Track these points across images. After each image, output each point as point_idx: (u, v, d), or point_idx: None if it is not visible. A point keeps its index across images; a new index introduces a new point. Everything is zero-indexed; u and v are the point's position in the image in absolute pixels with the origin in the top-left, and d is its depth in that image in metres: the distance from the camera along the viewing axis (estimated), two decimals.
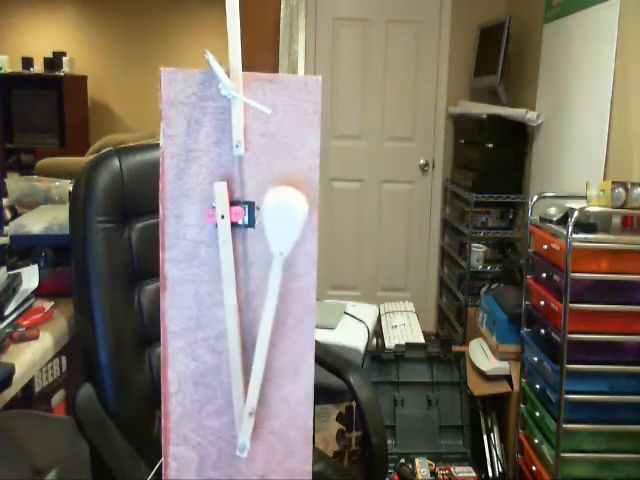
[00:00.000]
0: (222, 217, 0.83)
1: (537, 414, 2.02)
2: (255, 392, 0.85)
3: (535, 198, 2.18)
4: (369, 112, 3.72)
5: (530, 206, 2.18)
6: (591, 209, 1.82)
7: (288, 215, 0.81)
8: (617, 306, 1.81)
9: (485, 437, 2.38)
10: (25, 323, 1.33)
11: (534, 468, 2.03)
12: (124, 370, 1.28)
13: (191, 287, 0.85)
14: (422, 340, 2.64)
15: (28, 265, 1.49)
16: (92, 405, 1.22)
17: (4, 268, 1.46)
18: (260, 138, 0.83)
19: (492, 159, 3.08)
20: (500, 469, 2.30)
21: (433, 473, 2.22)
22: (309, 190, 0.85)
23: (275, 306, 0.84)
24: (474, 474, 2.24)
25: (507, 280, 2.68)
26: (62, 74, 5.19)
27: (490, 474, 2.30)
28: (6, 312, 1.32)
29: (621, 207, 1.79)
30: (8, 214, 1.86)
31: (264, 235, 0.83)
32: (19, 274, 1.43)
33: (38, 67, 5.29)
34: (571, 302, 1.80)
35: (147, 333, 1.35)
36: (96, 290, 1.25)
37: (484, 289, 2.83)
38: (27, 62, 5.26)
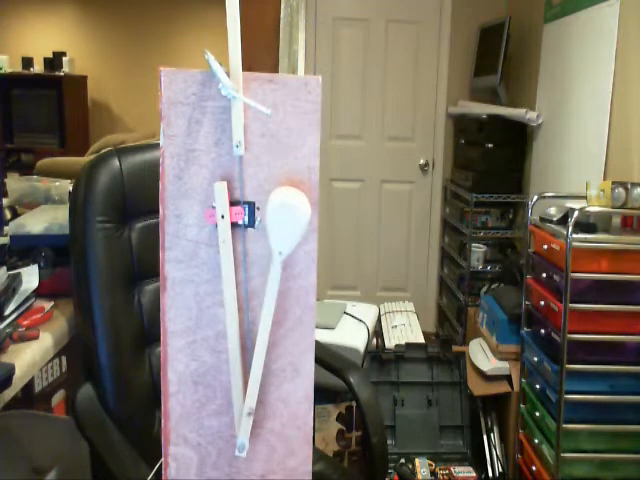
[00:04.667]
0: (222, 217, 0.83)
1: (537, 414, 2.02)
2: (254, 392, 0.85)
3: (535, 198, 2.18)
4: (369, 112, 3.72)
5: (530, 206, 2.18)
6: (591, 209, 1.82)
7: (291, 216, 0.81)
8: (617, 306, 1.81)
9: (485, 437, 2.38)
10: (25, 323, 1.33)
11: (534, 468, 2.03)
12: (124, 370, 1.28)
13: (191, 287, 0.85)
14: (422, 340, 2.64)
15: (28, 265, 1.49)
16: (92, 405, 1.22)
17: (4, 268, 1.46)
18: (260, 138, 0.83)
19: (492, 159, 3.08)
20: (500, 469, 2.30)
21: (433, 473, 2.22)
22: (309, 190, 0.85)
23: (274, 306, 0.84)
24: (474, 474, 2.24)
25: (507, 280, 2.68)
26: (62, 74, 5.19)
27: (490, 474, 2.30)
28: (6, 312, 1.32)
29: (621, 207, 1.79)
30: (8, 214, 1.86)
31: (265, 234, 0.83)
32: (19, 274, 1.43)
33: (38, 67, 5.28)
34: (571, 302, 1.80)
35: (147, 333, 1.35)
36: (96, 290, 1.25)
37: (484, 289, 2.84)
38: (27, 62, 5.26)
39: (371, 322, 2.58)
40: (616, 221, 1.94)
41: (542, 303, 2.00)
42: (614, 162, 2.22)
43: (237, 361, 0.84)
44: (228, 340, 0.84)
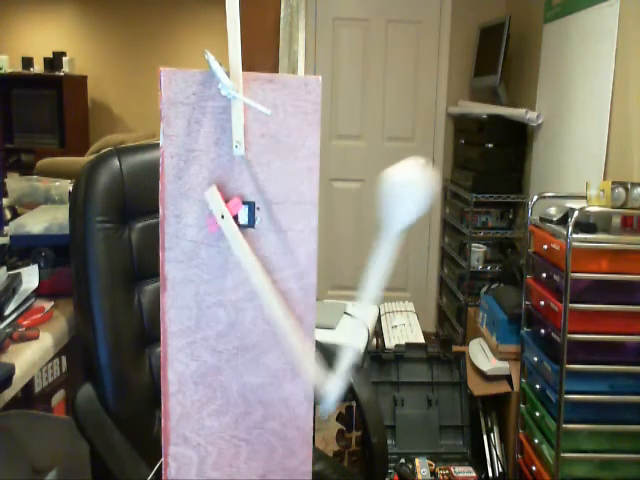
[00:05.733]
0: (222, 217, 0.83)
1: (537, 414, 2.02)
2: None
3: (535, 198, 2.18)
4: (369, 112, 3.72)
5: (530, 206, 2.18)
6: (591, 209, 1.82)
7: (414, 190, 0.81)
8: (617, 306, 1.81)
9: (485, 437, 2.38)
10: (25, 323, 1.33)
11: (534, 468, 2.03)
12: (124, 370, 1.28)
13: (191, 287, 0.85)
14: (422, 340, 2.64)
15: (28, 265, 1.49)
16: (92, 405, 1.22)
17: (4, 268, 1.46)
18: (260, 138, 0.83)
19: (492, 159, 3.08)
20: (500, 469, 2.30)
21: (433, 473, 2.22)
22: (309, 190, 0.85)
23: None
24: (474, 474, 2.23)
25: (507, 280, 2.68)
26: (62, 74, 5.19)
27: (490, 474, 2.30)
28: (6, 312, 1.32)
29: (621, 207, 1.79)
30: (8, 214, 1.86)
31: (386, 208, 0.82)
32: (19, 274, 1.43)
33: (38, 67, 5.28)
34: (571, 302, 1.80)
35: (147, 333, 1.35)
36: (96, 290, 1.25)
37: (484, 289, 2.83)
38: (27, 62, 5.26)
39: (371, 322, 2.58)
40: (616, 221, 1.94)
41: (542, 303, 2.00)
42: (614, 162, 2.22)
43: (283, 322, 0.82)
44: (271, 312, 0.82)
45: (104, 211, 1.27)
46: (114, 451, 1.14)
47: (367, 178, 3.77)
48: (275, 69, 3.54)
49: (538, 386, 2.01)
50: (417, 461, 2.25)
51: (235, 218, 0.83)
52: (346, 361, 0.82)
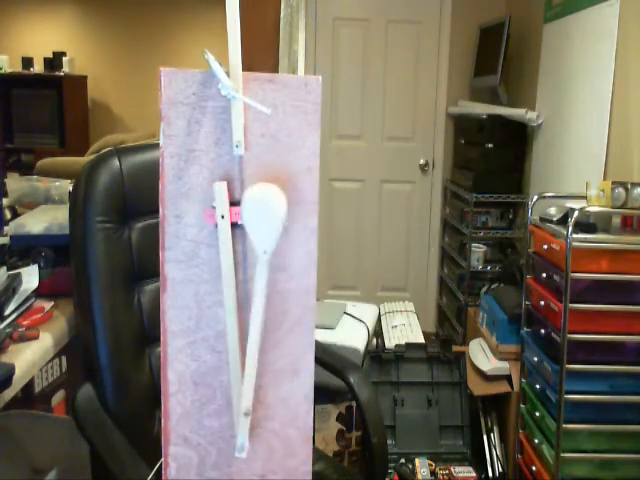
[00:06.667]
0: (222, 217, 0.83)
1: (537, 414, 2.02)
2: (249, 392, 0.85)
3: (535, 198, 2.18)
4: (369, 112, 3.72)
5: (530, 206, 2.18)
6: (591, 209, 1.82)
7: (266, 212, 0.81)
8: (617, 306, 1.81)
9: (485, 437, 2.38)
10: (25, 323, 1.33)
11: (534, 468, 2.03)
12: (124, 370, 1.28)
13: (191, 287, 0.85)
14: (422, 340, 2.64)
15: (28, 265, 1.49)
16: (92, 405, 1.22)
17: (4, 268, 1.46)
18: (260, 138, 0.83)
19: (492, 159, 3.08)
20: (500, 469, 2.30)
21: (433, 473, 2.22)
22: (309, 190, 0.85)
23: (264, 306, 0.83)
24: (474, 474, 2.24)
25: (507, 280, 2.68)
26: (62, 74, 5.19)
27: (490, 474, 2.30)
28: (6, 312, 1.32)
29: (621, 207, 1.79)
30: (8, 214, 1.86)
31: (247, 234, 0.83)
32: (19, 274, 1.43)
33: (38, 67, 5.28)
34: (571, 302, 1.80)
35: (147, 333, 1.35)
36: (96, 290, 1.25)
37: (484, 289, 2.83)
38: (27, 62, 5.25)
39: (371, 322, 2.58)
40: (616, 221, 1.94)
41: (542, 303, 2.00)
42: (614, 162, 2.22)
43: (237, 361, 0.84)
44: (228, 340, 0.84)
45: (104, 211, 1.27)
46: (114, 451, 1.14)
47: (367, 178, 3.77)
48: (275, 69, 3.54)
49: (538, 386, 2.01)
50: (417, 461, 2.25)
51: (233, 225, 0.83)
52: None
